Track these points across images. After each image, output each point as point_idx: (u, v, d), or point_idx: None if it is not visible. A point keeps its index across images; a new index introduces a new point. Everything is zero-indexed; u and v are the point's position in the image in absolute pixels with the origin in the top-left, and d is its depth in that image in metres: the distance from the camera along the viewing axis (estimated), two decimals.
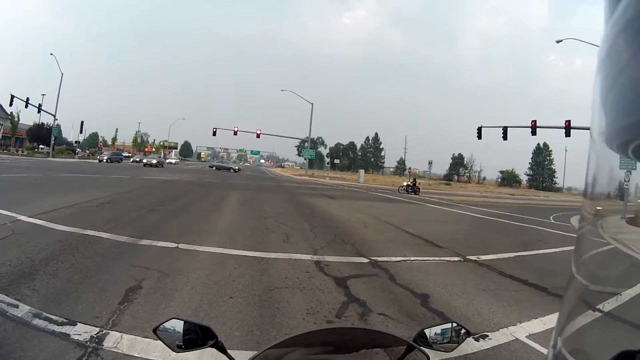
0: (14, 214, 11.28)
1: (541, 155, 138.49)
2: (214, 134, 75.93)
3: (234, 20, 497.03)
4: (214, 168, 79.71)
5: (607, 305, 1.21)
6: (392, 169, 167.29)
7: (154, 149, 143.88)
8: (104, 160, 67.06)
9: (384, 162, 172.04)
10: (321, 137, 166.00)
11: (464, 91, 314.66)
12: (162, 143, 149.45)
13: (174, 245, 9.63)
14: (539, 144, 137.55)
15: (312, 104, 78.83)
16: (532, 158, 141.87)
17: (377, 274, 8.56)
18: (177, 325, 1.62)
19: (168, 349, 1.58)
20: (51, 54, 65.32)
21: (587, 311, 1.10)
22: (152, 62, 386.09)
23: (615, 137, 0.84)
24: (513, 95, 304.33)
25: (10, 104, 57.93)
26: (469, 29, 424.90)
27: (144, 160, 71.30)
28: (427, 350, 1.59)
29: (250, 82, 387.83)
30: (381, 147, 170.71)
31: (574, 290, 1.09)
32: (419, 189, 48.24)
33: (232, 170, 75.62)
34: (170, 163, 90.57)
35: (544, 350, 5.18)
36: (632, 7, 0.73)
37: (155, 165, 64.35)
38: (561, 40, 44.61)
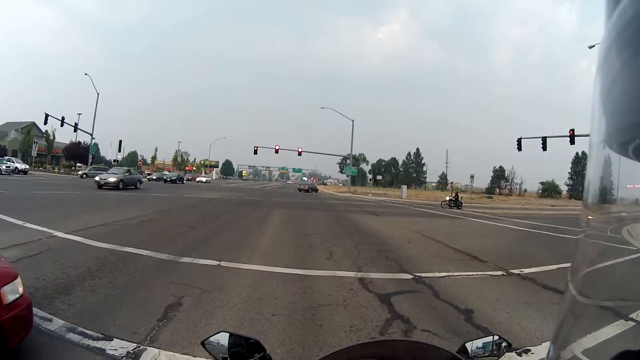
0: (50, 230, 11.61)
1: (580, 164, 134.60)
2: (255, 152, 76.45)
3: (271, 40, 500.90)
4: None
5: (635, 315, 1.19)
6: (434, 184, 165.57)
7: (194, 168, 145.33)
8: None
9: (425, 177, 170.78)
10: (363, 154, 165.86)
11: (501, 103, 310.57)
12: (203, 162, 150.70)
13: (215, 263, 9.74)
14: (577, 153, 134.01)
15: (352, 120, 78.78)
16: (571, 168, 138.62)
17: (421, 290, 8.52)
18: (224, 338, 1.64)
19: None
20: (85, 74, 66.54)
21: (585, 320, 1.09)
22: (194, 82, 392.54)
23: (615, 137, 0.86)
24: (550, 104, 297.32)
25: (45, 122, 58.93)
26: (501, 39, 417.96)
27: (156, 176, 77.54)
28: None
29: (290, 101, 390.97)
30: (423, 162, 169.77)
31: (570, 300, 1.09)
32: (462, 203, 47.47)
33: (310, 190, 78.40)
34: (201, 182, 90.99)
35: None
36: (632, 7, 0.76)
37: (174, 181, 69.32)
38: (593, 46, 43.63)
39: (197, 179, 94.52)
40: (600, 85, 0.88)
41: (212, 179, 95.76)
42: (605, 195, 0.98)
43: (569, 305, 1.11)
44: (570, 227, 23.90)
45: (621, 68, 0.79)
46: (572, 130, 44.90)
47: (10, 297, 4.01)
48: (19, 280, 4.25)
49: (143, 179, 47.00)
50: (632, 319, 1.16)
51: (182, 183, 73.26)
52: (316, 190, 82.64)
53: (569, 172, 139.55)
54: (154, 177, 76.46)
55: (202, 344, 1.65)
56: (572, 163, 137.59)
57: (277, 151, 76.97)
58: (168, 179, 72.40)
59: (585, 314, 1.10)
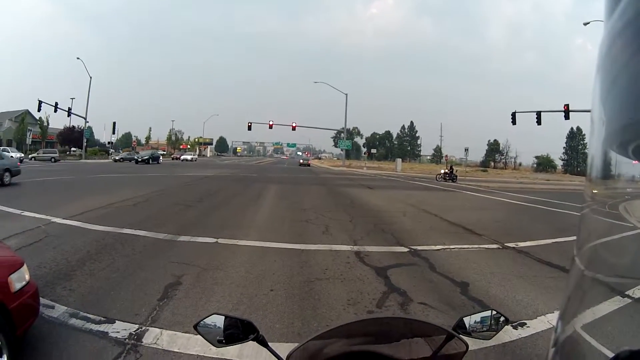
0: (48, 217, 11.55)
1: (575, 139, 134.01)
2: (249, 128, 76.12)
3: (262, 17, 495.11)
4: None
5: (631, 292, 1.14)
6: (428, 157, 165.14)
7: (189, 146, 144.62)
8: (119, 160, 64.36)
9: (420, 151, 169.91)
10: (357, 128, 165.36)
11: (496, 78, 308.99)
12: (197, 140, 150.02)
13: (213, 240, 9.79)
14: (572, 129, 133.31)
15: (346, 94, 78.52)
16: (566, 143, 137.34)
17: (417, 263, 8.60)
18: (218, 320, 1.65)
19: (208, 343, 1.65)
20: (78, 58, 65.56)
21: (595, 296, 1.09)
22: (185, 60, 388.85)
23: (615, 136, 0.86)
24: (544, 80, 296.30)
25: (39, 109, 58.62)
26: (496, 16, 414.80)
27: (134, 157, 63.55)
28: (466, 339, 1.59)
29: (283, 76, 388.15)
30: (417, 135, 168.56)
31: (577, 274, 1.09)
32: (456, 176, 47.52)
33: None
34: (186, 160, 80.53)
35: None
36: (632, 8, 0.76)
37: (147, 162, 58.78)
38: (588, 23, 43.48)
39: (182, 157, 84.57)
40: (600, 84, 0.88)
41: (197, 157, 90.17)
42: (606, 171, 0.98)
43: (574, 280, 1.12)
44: (565, 201, 23.97)
45: (621, 68, 0.79)
46: (567, 105, 44.73)
47: (17, 285, 4.02)
48: (25, 267, 4.26)
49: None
50: (628, 296, 1.13)
51: (158, 163, 60.27)
52: (309, 165, 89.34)
53: (563, 147, 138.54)
54: (119, 158, 67.19)
55: (195, 327, 1.66)
56: (567, 138, 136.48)
57: (271, 126, 76.70)
58: (140, 159, 59.15)
59: (589, 288, 1.11)
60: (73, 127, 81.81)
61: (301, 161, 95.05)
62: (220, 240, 9.78)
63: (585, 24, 43.49)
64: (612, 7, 0.81)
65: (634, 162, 0.96)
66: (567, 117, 45.35)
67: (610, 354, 0.94)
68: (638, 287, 1.14)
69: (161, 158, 67.73)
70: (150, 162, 58.78)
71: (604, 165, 0.97)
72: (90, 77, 67.16)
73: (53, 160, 55.04)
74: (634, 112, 0.78)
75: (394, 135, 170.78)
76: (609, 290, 1.11)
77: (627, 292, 1.12)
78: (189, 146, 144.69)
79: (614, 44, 0.81)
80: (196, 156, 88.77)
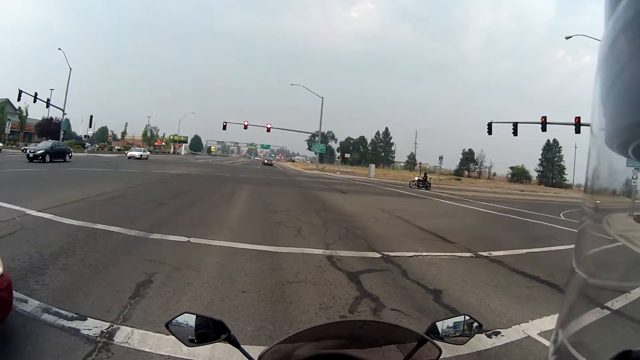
0: (22, 209, 11.29)
1: (551, 151, 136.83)
2: (224, 127, 75.69)
3: (235, 16, 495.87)
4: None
5: (613, 302, 1.22)
6: (402, 164, 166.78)
7: (164, 143, 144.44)
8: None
9: (394, 157, 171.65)
10: (332, 132, 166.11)
11: (473, 88, 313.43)
12: (172, 137, 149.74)
13: (185, 239, 9.65)
14: (548, 141, 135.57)
15: (322, 97, 79.00)
16: (542, 154, 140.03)
17: (390, 269, 8.56)
18: (190, 319, 1.63)
19: (180, 344, 1.59)
20: (59, 49, 64.27)
21: (589, 306, 1.10)
22: (162, 58, 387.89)
23: (615, 137, 0.84)
24: (522, 92, 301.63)
25: (19, 99, 57.16)
26: (474, 25, 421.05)
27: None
28: (439, 344, 1.57)
29: (260, 78, 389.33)
30: (391, 141, 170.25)
31: (575, 284, 1.09)
32: (430, 184, 48.14)
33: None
34: (134, 157, 61.72)
35: None
36: (632, 7, 0.73)
37: (41, 159, 34.59)
38: (570, 37, 44.33)
39: (129, 154, 65.54)
40: (600, 84, 0.87)
41: (149, 153, 76.72)
42: (600, 184, 1.00)
43: (575, 292, 1.12)
44: (538, 212, 24.50)
45: (621, 68, 0.77)
46: (544, 117, 45.51)
47: None
48: None
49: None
50: (607, 307, 1.19)
51: (65, 160, 38.75)
52: (271, 164, 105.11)
53: (539, 159, 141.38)
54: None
55: (167, 325, 1.62)
56: (542, 150, 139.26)
57: (245, 127, 76.47)
58: (32, 154, 35.17)
59: (582, 297, 1.11)
60: (51, 118, 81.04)
61: (266, 161, 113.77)
62: (192, 240, 9.65)
63: (567, 38, 44.34)
64: (612, 7, 0.80)
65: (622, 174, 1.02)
66: (544, 129, 46.09)
67: None
68: (616, 299, 1.21)
69: (71, 153, 42.63)
70: (48, 159, 35.54)
71: (598, 176, 0.98)
72: (70, 69, 66.03)
73: (70, 156, 40.43)
74: (635, 112, 0.76)
75: (369, 141, 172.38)
76: (597, 303, 1.14)
77: (606, 304, 1.18)
78: (164, 143, 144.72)
79: (614, 44, 0.79)
80: (147, 152, 74.63)
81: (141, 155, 64.90)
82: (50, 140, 45.08)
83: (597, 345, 1.19)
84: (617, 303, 1.22)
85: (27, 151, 37.08)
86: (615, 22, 0.77)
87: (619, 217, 1.27)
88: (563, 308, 1.09)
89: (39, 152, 35.26)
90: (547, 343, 5.41)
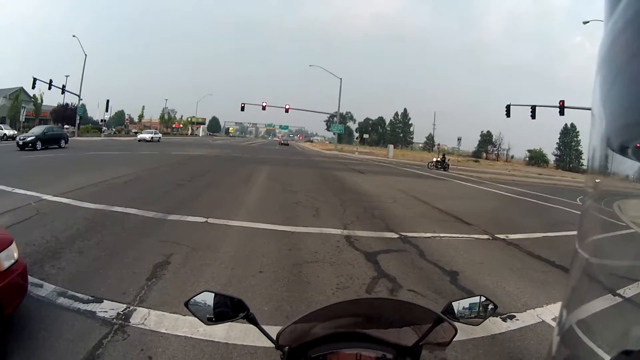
0: (38, 194, 11.37)
1: (569, 136, 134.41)
2: (242, 109, 75.49)
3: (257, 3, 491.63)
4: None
5: (625, 290, 1.19)
6: (420, 145, 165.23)
7: (181, 125, 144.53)
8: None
9: (412, 138, 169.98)
10: (350, 112, 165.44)
11: (493, 70, 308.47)
12: (189, 119, 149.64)
13: (203, 220, 9.72)
14: (566, 125, 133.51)
15: (340, 78, 78.26)
16: (559, 138, 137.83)
17: (407, 250, 8.57)
18: (208, 298, 1.65)
19: (196, 324, 1.63)
20: (74, 36, 64.19)
21: (600, 292, 1.11)
22: (182, 40, 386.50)
23: (615, 137, 0.85)
24: (541, 75, 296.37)
25: (33, 87, 57.26)
26: (495, 9, 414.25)
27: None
28: (455, 323, 1.57)
29: (278, 59, 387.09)
30: (410, 122, 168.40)
31: (578, 266, 1.10)
32: (448, 165, 47.81)
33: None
34: (144, 140, 60.16)
35: None
36: (632, 8, 0.74)
37: (25, 147, 30.34)
38: (588, 22, 43.49)
39: (139, 137, 64.30)
40: (600, 84, 0.88)
41: (161, 135, 73.78)
42: (605, 169, 1.01)
43: (576, 272, 1.14)
44: (556, 196, 24.14)
45: (621, 68, 0.78)
46: (562, 101, 44.86)
47: (6, 264, 3.95)
48: (14, 245, 4.19)
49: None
50: (619, 295, 1.16)
51: (60, 147, 34.39)
52: (287, 144, 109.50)
53: (557, 143, 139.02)
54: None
55: (186, 304, 1.64)
56: (560, 134, 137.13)
57: (264, 108, 76.19)
58: (21, 142, 30.98)
59: (589, 282, 1.12)
60: (67, 104, 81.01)
61: (282, 142, 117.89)
62: (210, 220, 9.71)
63: (584, 23, 43.51)
64: (612, 7, 0.81)
65: (631, 161, 0.97)
66: (562, 112, 45.44)
67: (609, 346, 0.98)
68: (629, 287, 1.17)
69: (67, 139, 37.65)
70: (40, 146, 31.37)
71: (602, 162, 0.99)
72: (86, 55, 65.92)
73: (65, 142, 36.33)
74: (635, 112, 0.77)
75: (387, 122, 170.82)
76: (603, 287, 1.14)
77: (618, 291, 1.15)
78: (181, 125, 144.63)
79: (614, 44, 0.80)
80: (160, 134, 71.13)
81: (152, 137, 63.21)
82: (43, 125, 40.92)
83: (605, 330, 1.19)
84: (629, 291, 1.17)
85: (17, 138, 33.53)
86: (615, 22, 0.79)
87: (634, 204, 1.26)
88: (567, 289, 1.11)
89: (29, 138, 31.54)
90: None
